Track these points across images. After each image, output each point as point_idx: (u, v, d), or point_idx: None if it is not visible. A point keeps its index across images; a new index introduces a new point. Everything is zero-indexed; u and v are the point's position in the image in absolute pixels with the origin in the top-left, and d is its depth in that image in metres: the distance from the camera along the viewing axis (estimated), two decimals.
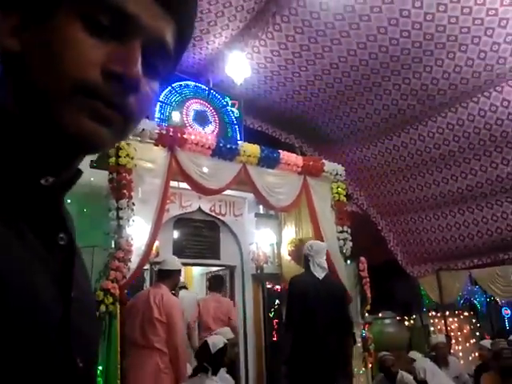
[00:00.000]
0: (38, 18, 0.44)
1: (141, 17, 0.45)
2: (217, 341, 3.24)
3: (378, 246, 7.63)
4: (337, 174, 5.87)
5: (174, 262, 3.74)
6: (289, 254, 6.01)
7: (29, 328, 0.40)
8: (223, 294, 5.38)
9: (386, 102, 6.12)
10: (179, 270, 3.77)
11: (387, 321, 6.91)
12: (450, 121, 6.07)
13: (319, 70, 5.74)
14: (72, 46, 0.43)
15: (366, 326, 5.19)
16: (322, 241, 5.35)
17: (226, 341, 3.29)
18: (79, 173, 0.53)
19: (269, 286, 5.91)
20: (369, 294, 5.44)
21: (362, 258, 5.62)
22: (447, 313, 7.76)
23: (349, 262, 5.53)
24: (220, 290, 5.25)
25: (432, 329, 7.79)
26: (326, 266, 3.65)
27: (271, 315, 5.80)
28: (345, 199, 5.96)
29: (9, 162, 0.43)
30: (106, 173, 4.15)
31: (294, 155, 5.77)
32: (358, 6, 4.66)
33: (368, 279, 5.51)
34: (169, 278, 3.64)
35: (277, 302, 5.88)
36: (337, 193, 5.81)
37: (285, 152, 5.53)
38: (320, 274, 3.52)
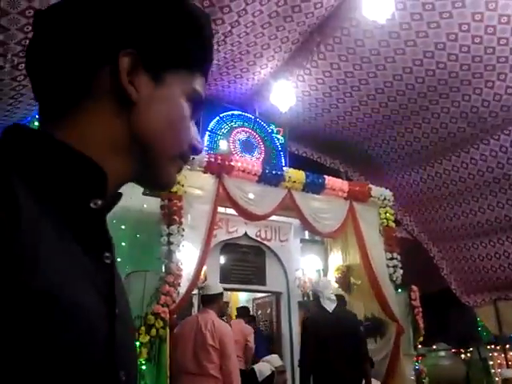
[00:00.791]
0: (155, 75, 0.54)
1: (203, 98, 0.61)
2: (264, 368, 3.24)
3: (430, 274, 7.33)
4: (385, 199, 5.76)
5: (216, 286, 3.78)
6: (336, 281, 5.90)
7: (78, 342, 0.42)
8: (246, 321, 5.69)
9: (434, 125, 6.00)
10: (222, 293, 3.79)
11: (442, 353, 6.54)
12: (503, 143, 5.84)
13: (364, 96, 5.75)
14: (185, 122, 0.57)
15: (420, 358, 4.95)
16: (371, 268, 5.25)
17: (273, 368, 3.26)
18: (120, 195, 0.58)
19: None
20: (421, 325, 5.21)
21: (414, 287, 5.41)
22: (507, 346, 7.25)
23: (399, 290, 5.34)
24: (244, 318, 5.73)
25: (491, 363, 7.29)
26: (334, 298, 3.88)
27: None
28: (393, 225, 5.82)
29: (61, 185, 0.47)
30: (158, 200, 4.32)
31: (340, 180, 5.74)
32: (403, 32, 4.67)
33: (420, 309, 5.29)
34: (213, 302, 3.65)
35: None
36: (385, 218, 5.69)
37: (330, 177, 5.52)
38: (330, 307, 3.75)
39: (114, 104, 0.52)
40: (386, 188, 6.00)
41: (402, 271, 5.45)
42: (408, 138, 6.41)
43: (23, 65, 3.31)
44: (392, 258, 5.48)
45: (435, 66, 5.04)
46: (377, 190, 5.77)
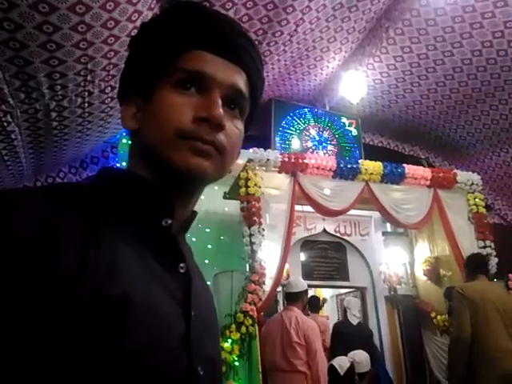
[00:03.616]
0: (145, 100, 0.60)
1: (216, 75, 0.58)
2: (342, 362, 3.25)
3: None
4: (472, 183, 5.41)
5: (299, 283, 3.78)
6: (424, 274, 5.66)
7: (155, 340, 0.49)
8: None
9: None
10: (306, 291, 3.81)
11: None
12: None
13: (441, 77, 5.44)
14: (170, 107, 0.57)
15: None
16: (462, 258, 4.95)
17: (350, 359, 3.28)
18: (194, 214, 0.65)
19: None
20: None
21: (511, 275, 5.02)
22: None
23: (495, 279, 4.98)
24: (317, 311, 5.51)
25: None
26: (359, 315, 5.19)
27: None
28: (484, 210, 5.44)
29: (138, 207, 0.57)
30: (238, 202, 4.48)
31: (421, 168, 5.49)
32: (478, 4, 4.35)
33: None
34: (297, 299, 3.67)
35: None
36: (474, 204, 5.34)
37: (410, 166, 5.30)
38: (354, 322, 4.95)
39: (132, 136, 0.63)
40: (473, 172, 5.62)
41: (496, 259, 5.08)
42: (493, 116, 5.94)
43: (110, 88, 3.63)
44: (485, 247, 5.13)
45: None
46: (463, 175, 5.43)
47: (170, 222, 0.57)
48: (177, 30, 0.60)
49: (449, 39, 4.82)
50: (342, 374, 3.15)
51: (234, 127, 0.60)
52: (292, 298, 3.70)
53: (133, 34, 3.11)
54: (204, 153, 0.56)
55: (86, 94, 3.53)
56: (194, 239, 4.26)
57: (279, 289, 4.98)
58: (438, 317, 5.36)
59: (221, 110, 0.57)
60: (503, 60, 5.00)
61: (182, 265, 0.58)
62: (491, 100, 5.70)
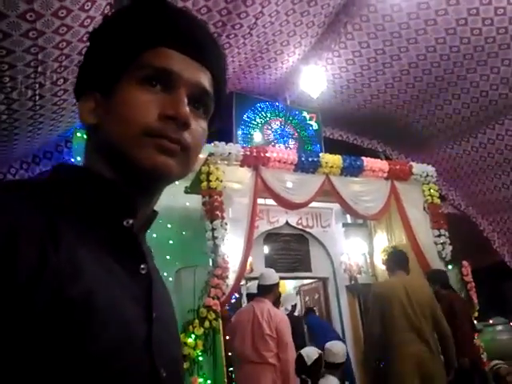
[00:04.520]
0: (106, 93, 0.58)
1: (182, 73, 0.58)
2: (311, 353, 3.29)
3: (481, 248, 7.08)
4: (427, 175, 5.61)
5: (272, 276, 3.81)
6: (383, 263, 5.84)
7: (118, 343, 0.48)
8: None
9: (474, 94, 5.75)
10: (278, 283, 3.84)
11: (499, 327, 6.31)
12: None
13: (397, 72, 5.59)
14: (135, 104, 0.56)
15: (476, 334, 4.83)
16: (418, 247, 5.15)
17: (319, 351, 3.30)
18: (155, 213, 0.65)
19: None
20: (475, 300, 5.07)
21: (465, 262, 5.27)
22: None
23: (450, 267, 5.22)
24: (278, 305, 5.65)
25: None
26: (290, 308, 5.78)
27: None
28: (439, 201, 5.67)
29: (98, 207, 0.55)
30: (199, 197, 4.43)
31: (379, 160, 5.64)
32: (432, 1, 4.50)
33: (473, 284, 5.15)
34: (269, 291, 3.69)
35: None
36: (429, 195, 5.55)
37: (368, 158, 5.43)
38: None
39: (90, 132, 0.62)
40: (428, 164, 5.83)
41: (451, 247, 5.32)
42: (447, 111, 6.18)
43: (62, 80, 3.48)
44: (440, 235, 5.35)
45: (470, 33, 4.82)
46: (418, 167, 5.63)
47: (131, 222, 0.56)
48: (143, 24, 0.59)
49: (405, 35, 4.96)
50: (308, 363, 3.19)
51: (199, 126, 0.60)
52: (264, 290, 3.70)
53: (85, 23, 2.99)
54: (170, 151, 0.56)
55: (37, 86, 3.37)
56: (154, 235, 4.18)
57: (243, 282, 5.01)
58: None
59: (187, 109, 0.57)
60: (456, 56, 5.20)
61: (143, 266, 0.57)
62: (444, 95, 5.92)
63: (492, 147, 6.39)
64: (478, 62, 5.24)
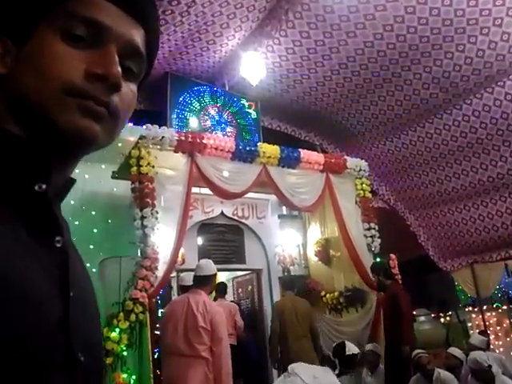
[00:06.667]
0: (19, 41, 0.50)
1: (113, 26, 0.51)
2: (353, 347, 4.14)
3: (407, 242, 7.43)
4: (360, 169, 5.74)
5: (210, 267, 3.61)
6: (315, 255, 5.91)
7: (30, 324, 0.43)
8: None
9: (407, 92, 5.95)
10: (215, 274, 3.67)
11: (422, 318, 6.67)
12: (475, 107, 5.85)
13: (336, 65, 5.62)
14: (56, 57, 0.48)
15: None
16: (349, 239, 5.25)
17: (359, 351, 4.14)
18: (72, 181, 0.58)
19: None
20: None
21: (392, 255, 5.46)
22: (484, 307, 7.48)
23: (378, 259, 5.38)
24: (223, 294, 5.53)
25: (470, 324, 7.51)
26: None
27: None
28: (370, 195, 5.83)
29: (5, 169, 0.47)
30: (129, 183, 4.16)
31: (315, 153, 5.67)
32: None
33: (399, 276, 5.35)
34: (206, 283, 3.49)
35: None
36: (361, 189, 5.69)
37: (305, 151, 5.44)
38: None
39: None
40: (362, 159, 5.98)
41: (379, 241, 5.49)
42: (381, 107, 6.36)
43: None
44: (369, 229, 5.50)
45: (406, 31, 4.94)
46: (352, 162, 5.73)
47: (44, 187, 0.49)
48: None
49: (344, 28, 4.98)
50: (346, 353, 4.08)
51: (129, 89, 0.54)
52: (201, 281, 3.48)
53: None
54: (96, 115, 0.50)
55: None
56: (77, 223, 3.87)
57: (174, 274, 4.80)
58: (328, 295, 5.65)
59: (119, 69, 0.51)
60: (392, 53, 5.32)
61: (58, 238, 0.50)
62: (380, 91, 6.07)
63: (421, 145, 6.68)
64: (412, 60, 5.41)
